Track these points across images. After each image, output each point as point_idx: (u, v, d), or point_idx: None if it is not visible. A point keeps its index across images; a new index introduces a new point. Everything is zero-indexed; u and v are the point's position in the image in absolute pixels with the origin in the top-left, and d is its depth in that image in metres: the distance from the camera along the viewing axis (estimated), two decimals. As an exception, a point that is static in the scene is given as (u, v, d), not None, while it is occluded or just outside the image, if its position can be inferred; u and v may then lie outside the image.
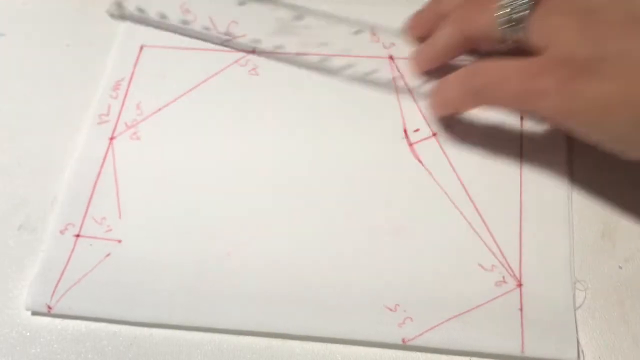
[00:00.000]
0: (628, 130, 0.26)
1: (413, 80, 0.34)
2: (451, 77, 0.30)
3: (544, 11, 0.28)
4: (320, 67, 0.35)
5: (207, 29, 0.36)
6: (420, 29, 0.34)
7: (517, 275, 0.29)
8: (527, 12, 0.28)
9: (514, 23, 0.28)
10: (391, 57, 0.35)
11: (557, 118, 0.27)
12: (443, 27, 0.31)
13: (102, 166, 0.33)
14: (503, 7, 0.28)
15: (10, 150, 0.34)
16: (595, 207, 0.30)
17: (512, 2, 0.28)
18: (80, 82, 0.36)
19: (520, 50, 0.29)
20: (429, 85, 0.33)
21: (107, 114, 0.34)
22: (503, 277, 0.29)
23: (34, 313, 0.30)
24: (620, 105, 0.25)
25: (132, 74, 0.36)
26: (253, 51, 0.36)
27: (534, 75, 0.27)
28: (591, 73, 0.26)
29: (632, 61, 0.25)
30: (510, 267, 0.29)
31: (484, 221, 0.30)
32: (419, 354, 0.28)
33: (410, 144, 0.32)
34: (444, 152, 0.32)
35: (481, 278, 0.29)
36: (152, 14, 0.37)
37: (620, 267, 0.29)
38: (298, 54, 0.35)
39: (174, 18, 0.37)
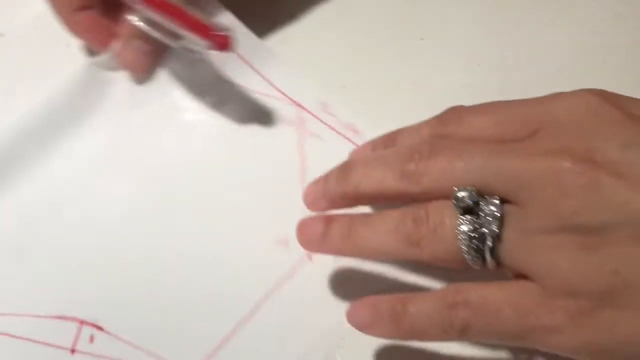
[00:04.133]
0: None
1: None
2: (420, 305, 0.24)
3: (521, 231, 0.22)
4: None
5: None
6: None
7: None
8: (494, 238, 0.22)
9: (480, 252, 0.23)
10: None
11: (578, 354, 0.22)
12: (383, 225, 0.25)
13: None
14: (463, 233, 0.23)
15: (10, 150, 0.34)
16: None
17: (474, 227, 0.23)
18: (80, 82, 0.36)
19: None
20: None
21: None
22: None
23: None
24: None
25: None
26: None
27: (534, 311, 0.22)
28: (615, 304, 0.21)
29: None
30: None
31: None
32: None
33: None
34: None
35: None
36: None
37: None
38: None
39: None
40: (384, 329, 0.25)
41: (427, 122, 0.27)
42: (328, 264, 0.30)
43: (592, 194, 0.21)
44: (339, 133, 0.34)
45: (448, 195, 0.23)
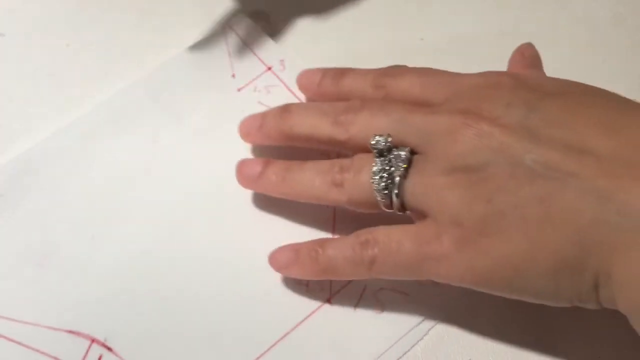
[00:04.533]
0: (544, 283, 0.24)
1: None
2: (336, 246, 0.28)
3: (420, 174, 0.27)
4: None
5: None
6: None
7: None
8: (400, 178, 0.27)
9: (389, 189, 0.27)
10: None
11: (463, 281, 0.26)
12: (315, 169, 0.29)
13: None
14: (375, 173, 0.27)
15: (10, 150, 0.34)
16: None
17: (384, 168, 0.27)
18: (80, 82, 0.36)
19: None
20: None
21: None
22: None
23: None
24: (529, 260, 0.24)
25: None
26: None
27: (427, 241, 0.26)
28: (491, 231, 0.25)
29: (529, 214, 0.24)
30: None
31: None
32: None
33: None
34: None
35: None
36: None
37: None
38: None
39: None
40: (303, 268, 0.29)
41: (373, 71, 0.31)
42: (347, 308, 0.30)
43: (476, 141, 0.25)
44: None
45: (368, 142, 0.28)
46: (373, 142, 0.27)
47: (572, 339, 0.28)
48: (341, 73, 0.32)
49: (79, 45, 0.37)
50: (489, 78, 0.28)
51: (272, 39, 0.37)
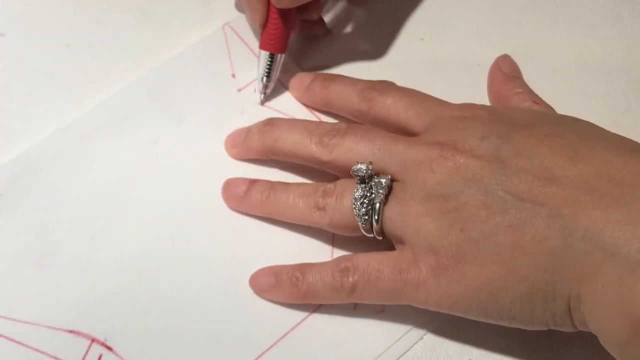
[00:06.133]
0: (518, 309, 0.25)
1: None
2: (316, 272, 0.29)
3: (399, 201, 0.28)
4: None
5: None
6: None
7: None
8: (380, 204, 0.28)
9: (369, 215, 0.28)
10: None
11: (440, 307, 0.27)
12: (299, 191, 0.30)
13: None
14: (357, 199, 0.28)
15: (10, 150, 0.34)
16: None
17: (365, 194, 0.28)
18: (80, 82, 0.36)
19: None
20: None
21: None
22: None
23: None
24: (503, 287, 0.25)
25: None
26: None
27: (406, 268, 0.27)
28: (465, 259, 0.26)
29: (502, 242, 0.25)
30: None
31: None
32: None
33: None
34: None
35: None
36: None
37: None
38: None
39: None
40: (283, 293, 0.29)
41: (362, 82, 0.33)
42: (347, 308, 0.30)
43: (451, 171, 0.27)
44: None
45: (350, 169, 0.29)
46: (355, 170, 0.28)
47: (572, 338, 0.28)
48: (330, 79, 0.34)
49: (79, 45, 0.37)
50: (466, 111, 0.30)
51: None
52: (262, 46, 0.34)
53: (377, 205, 0.28)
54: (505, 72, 0.34)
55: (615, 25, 0.38)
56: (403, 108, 0.31)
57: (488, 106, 0.31)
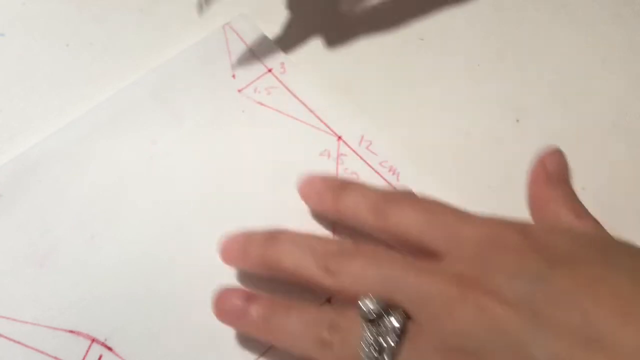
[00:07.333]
0: None
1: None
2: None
3: (413, 349, 0.24)
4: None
5: None
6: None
7: None
8: (392, 352, 0.24)
9: (377, 358, 0.24)
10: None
11: None
12: (302, 319, 0.27)
13: None
14: (365, 343, 0.24)
15: (10, 150, 0.34)
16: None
17: (375, 338, 0.24)
18: (80, 82, 0.36)
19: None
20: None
21: None
22: None
23: None
24: None
25: None
26: None
27: None
28: None
29: None
30: None
31: None
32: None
33: None
34: None
35: None
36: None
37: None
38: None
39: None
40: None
41: (376, 194, 0.29)
42: None
43: (474, 318, 0.23)
44: (377, 172, 0.33)
45: (358, 297, 0.25)
46: (362, 310, 0.25)
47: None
48: (342, 187, 0.30)
49: (79, 45, 0.37)
50: (493, 231, 0.25)
51: (273, 40, 0.37)
52: None
53: (387, 355, 0.24)
54: (549, 171, 0.29)
55: (616, 25, 0.38)
56: (420, 226, 0.27)
57: (521, 226, 0.26)
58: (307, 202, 0.31)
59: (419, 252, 0.27)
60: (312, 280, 0.27)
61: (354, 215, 0.29)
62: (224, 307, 0.28)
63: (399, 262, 0.26)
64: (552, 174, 0.29)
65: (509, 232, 0.25)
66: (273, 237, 0.29)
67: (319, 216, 0.32)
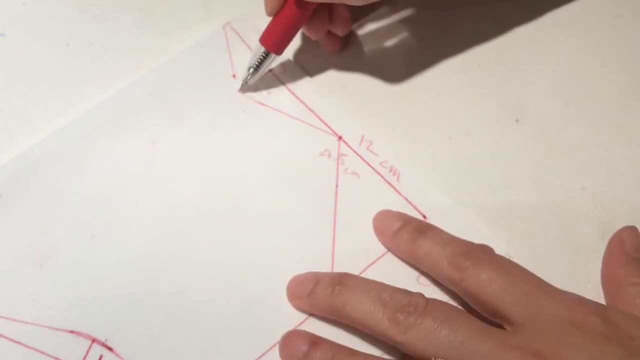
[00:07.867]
0: None
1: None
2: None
3: None
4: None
5: None
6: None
7: None
8: None
9: None
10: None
11: None
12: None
13: None
14: None
15: (10, 150, 0.34)
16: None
17: None
18: (80, 82, 0.36)
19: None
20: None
21: None
22: None
23: None
24: None
25: None
26: None
27: None
28: None
29: None
30: None
31: None
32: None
33: None
34: None
35: None
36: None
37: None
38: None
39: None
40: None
41: (455, 245, 0.29)
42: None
43: None
44: (377, 172, 0.33)
45: (425, 356, 0.25)
46: None
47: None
48: (420, 231, 0.30)
49: (79, 45, 0.37)
50: (575, 313, 0.25)
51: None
52: (262, 40, 0.34)
53: None
54: (627, 250, 0.29)
55: (616, 25, 0.38)
56: (499, 290, 0.26)
57: (602, 309, 0.26)
58: (380, 238, 0.31)
59: (495, 315, 0.26)
60: (380, 332, 0.27)
61: (431, 266, 0.29)
62: (289, 350, 0.28)
63: (473, 328, 0.25)
64: (630, 251, 0.28)
65: (591, 315, 0.25)
66: (341, 282, 0.28)
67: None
